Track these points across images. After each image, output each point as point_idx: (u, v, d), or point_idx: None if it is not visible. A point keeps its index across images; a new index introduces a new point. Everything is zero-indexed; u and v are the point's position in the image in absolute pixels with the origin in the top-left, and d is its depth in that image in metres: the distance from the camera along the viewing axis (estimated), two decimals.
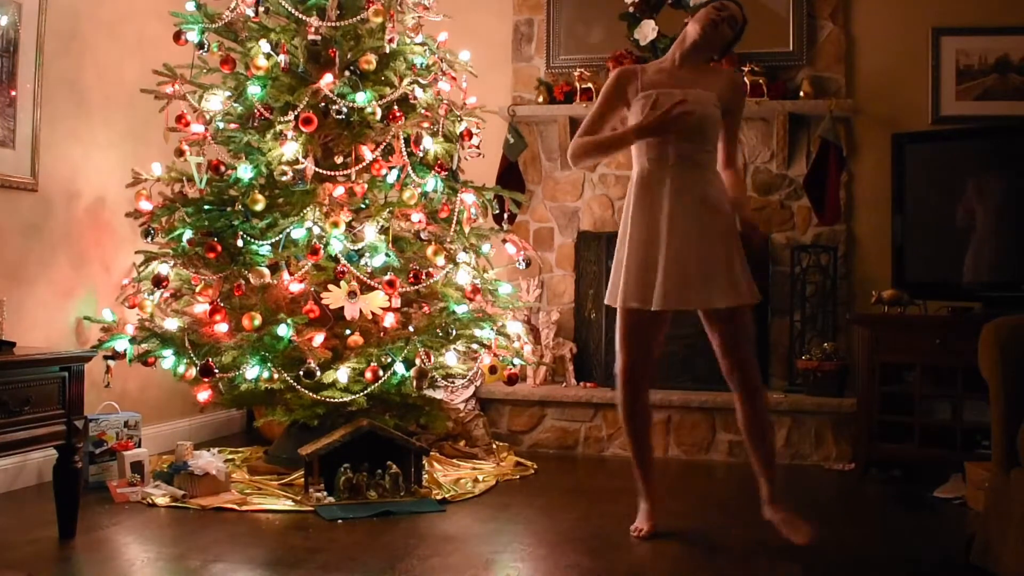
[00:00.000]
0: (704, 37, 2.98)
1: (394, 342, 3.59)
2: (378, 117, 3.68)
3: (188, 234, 3.59)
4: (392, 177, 3.75)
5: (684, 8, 4.84)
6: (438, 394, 4.15)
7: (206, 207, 3.67)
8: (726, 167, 3.09)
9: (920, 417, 4.02)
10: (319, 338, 3.51)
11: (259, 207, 3.57)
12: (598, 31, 5.08)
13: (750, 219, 3.08)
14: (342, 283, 3.57)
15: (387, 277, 3.59)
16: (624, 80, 3.06)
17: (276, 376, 3.51)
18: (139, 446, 3.71)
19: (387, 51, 3.78)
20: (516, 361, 4.01)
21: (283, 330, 3.45)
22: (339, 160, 3.74)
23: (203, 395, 3.66)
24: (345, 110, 3.63)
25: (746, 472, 4.24)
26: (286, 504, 3.39)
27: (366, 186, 3.72)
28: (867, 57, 4.86)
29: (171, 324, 3.66)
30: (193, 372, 3.55)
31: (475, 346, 3.88)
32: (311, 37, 3.66)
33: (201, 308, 3.61)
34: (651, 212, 2.97)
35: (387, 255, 3.67)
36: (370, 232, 3.62)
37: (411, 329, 3.63)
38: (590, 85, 4.93)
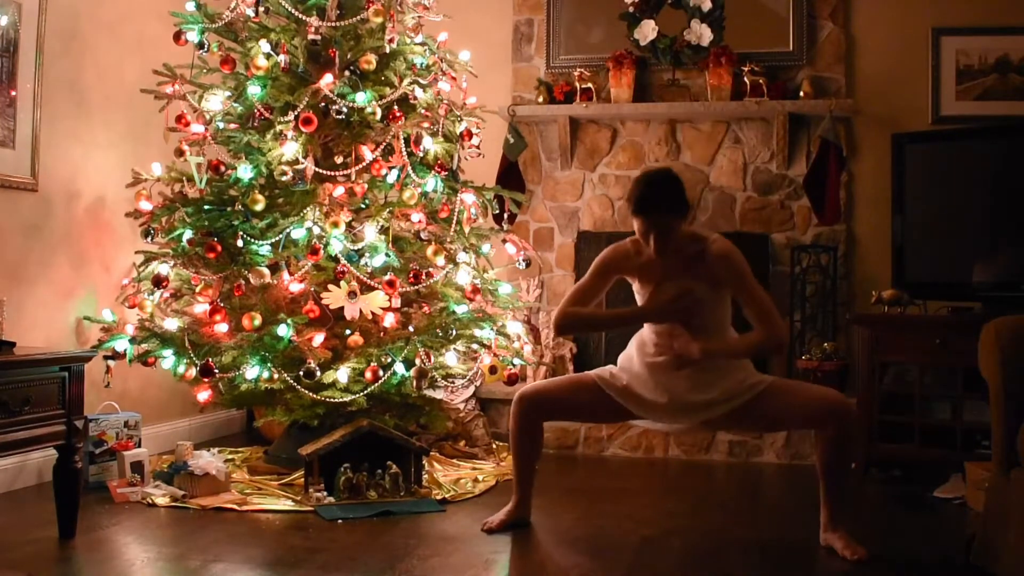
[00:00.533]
0: (659, 248, 2.88)
1: (394, 342, 3.59)
2: (378, 117, 3.68)
3: (188, 234, 3.59)
4: (392, 177, 3.75)
5: (684, 9, 4.85)
6: (438, 394, 4.14)
7: (206, 207, 3.67)
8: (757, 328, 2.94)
9: (920, 417, 4.01)
10: (319, 338, 3.51)
11: (259, 207, 3.57)
12: (598, 31, 5.08)
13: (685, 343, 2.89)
14: (342, 283, 3.57)
15: (387, 277, 3.59)
16: (616, 261, 3.05)
17: (276, 376, 3.51)
18: (139, 446, 3.70)
19: (387, 51, 3.78)
20: (516, 361, 4.01)
21: (283, 330, 3.45)
22: (339, 160, 3.74)
23: (203, 395, 3.67)
24: (345, 110, 3.63)
25: (746, 472, 4.25)
26: (286, 504, 3.39)
27: (366, 186, 3.72)
28: (867, 57, 4.86)
29: (171, 324, 3.66)
30: (193, 372, 3.55)
31: (475, 346, 3.88)
32: (311, 37, 3.66)
33: (201, 308, 3.61)
34: (653, 378, 2.96)
35: (387, 255, 3.67)
36: (370, 232, 3.62)
37: (411, 329, 3.63)
38: (590, 85, 4.93)
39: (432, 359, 3.64)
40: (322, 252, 3.50)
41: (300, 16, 3.69)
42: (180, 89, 3.79)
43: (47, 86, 3.66)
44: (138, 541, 2.96)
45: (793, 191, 4.87)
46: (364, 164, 3.68)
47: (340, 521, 3.19)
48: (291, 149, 3.56)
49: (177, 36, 3.74)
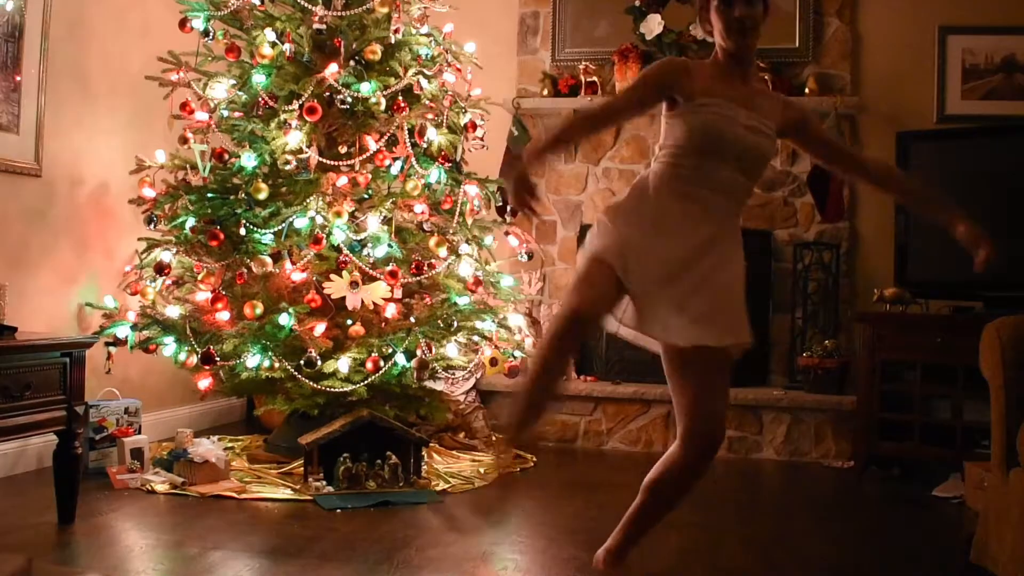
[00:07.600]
0: (739, 48, 2.33)
1: (395, 333, 3.59)
2: (382, 107, 3.67)
3: (191, 222, 3.59)
4: (396, 168, 3.74)
5: (690, 3, 4.83)
6: (438, 385, 4.15)
7: (209, 195, 3.67)
8: (858, 169, 2.58)
9: (920, 416, 4.02)
10: (320, 328, 3.51)
11: (262, 196, 3.57)
12: (604, 24, 5.07)
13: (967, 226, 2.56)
14: (344, 273, 3.57)
15: (389, 268, 3.59)
16: (672, 74, 2.37)
17: (277, 365, 3.51)
18: (139, 433, 3.71)
19: (392, 41, 3.77)
20: (517, 353, 4.01)
21: (284, 319, 3.45)
22: (343, 150, 3.73)
23: (204, 383, 3.67)
24: (350, 100, 3.63)
25: (746, 470, 4.25)
26: (285, 493, 3.39)
27: (370, 176, 3.71)
28: (873, 55, 4.84)
29: (173, 311, 3.66)
30: (194, 360, 3.56)
31: (476, 338, 3.88)
32: (316, 26, 3.65)
33: (203, 296, 3.61)
34: (687, 217, 2.47)
35: (389, 246, 3.67)
36: (373, 222, 3.61)
37: (412, 320, 3.63)
38: (595, 79, 4.92)
39: (433, 350, 3.64)
40: (325, 242, 3.50)
41: (305, 5, 3.69)
42: (185, 76, 3.78)
43: (52, 72, 3.65)
44: (137, 527, 2.97)
45: (796, 188, 4.86)
46: (368, 154, 3.68)
47: (339, 511, 3.19)
48: (295, 138, 3.55)
49: (182, 23, 3.73)
